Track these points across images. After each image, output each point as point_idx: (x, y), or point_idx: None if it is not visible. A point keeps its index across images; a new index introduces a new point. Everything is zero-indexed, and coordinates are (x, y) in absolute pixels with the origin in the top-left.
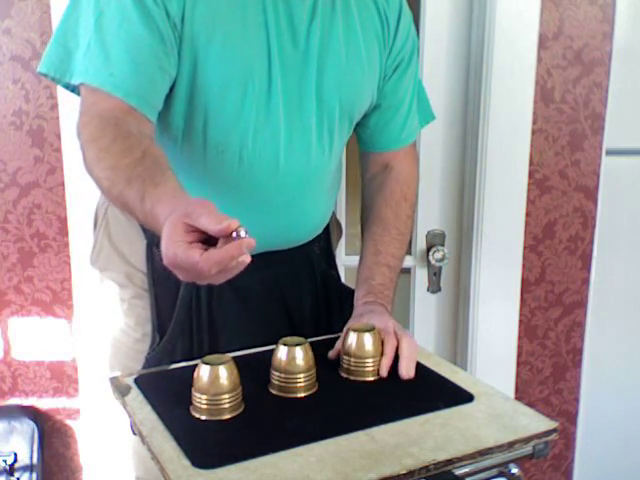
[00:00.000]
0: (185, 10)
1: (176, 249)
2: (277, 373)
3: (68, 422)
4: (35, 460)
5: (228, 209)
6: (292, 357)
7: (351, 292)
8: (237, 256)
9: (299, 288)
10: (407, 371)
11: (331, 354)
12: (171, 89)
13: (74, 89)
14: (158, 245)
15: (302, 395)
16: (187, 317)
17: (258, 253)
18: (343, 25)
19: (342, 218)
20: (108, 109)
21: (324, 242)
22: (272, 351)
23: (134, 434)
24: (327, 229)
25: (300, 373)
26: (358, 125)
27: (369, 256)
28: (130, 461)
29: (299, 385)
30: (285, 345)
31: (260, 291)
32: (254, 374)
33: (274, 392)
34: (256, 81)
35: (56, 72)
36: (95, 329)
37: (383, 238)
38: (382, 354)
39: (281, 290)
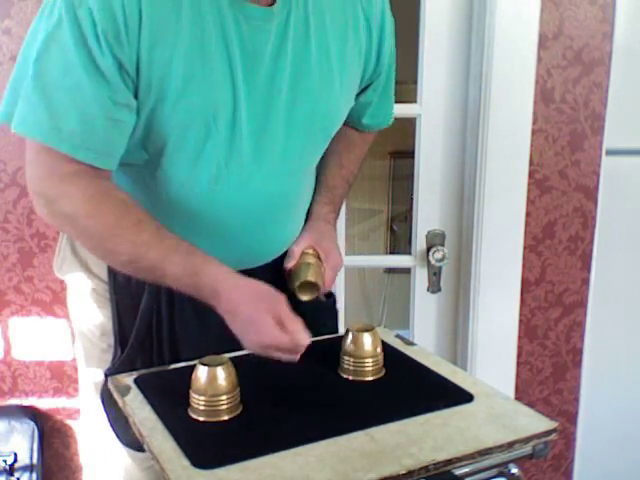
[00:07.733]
0: (140, 55)
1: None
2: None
3: (68, 422)
4: (35, 460)
5: (192, 237)
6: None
7: None
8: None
9: None
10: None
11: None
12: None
13: None
14: None
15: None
16: (148, 332)
17: None
18: (316, 46)
19: (342, 217)
20: (73, 172)
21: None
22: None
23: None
24: None
25: None
26: None
27: (334, 167)
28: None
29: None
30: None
31: None
32: (253, 374)
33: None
34: (220, 117)
35: (4, 119)
36: None
37: (348, 155)
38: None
39: None
